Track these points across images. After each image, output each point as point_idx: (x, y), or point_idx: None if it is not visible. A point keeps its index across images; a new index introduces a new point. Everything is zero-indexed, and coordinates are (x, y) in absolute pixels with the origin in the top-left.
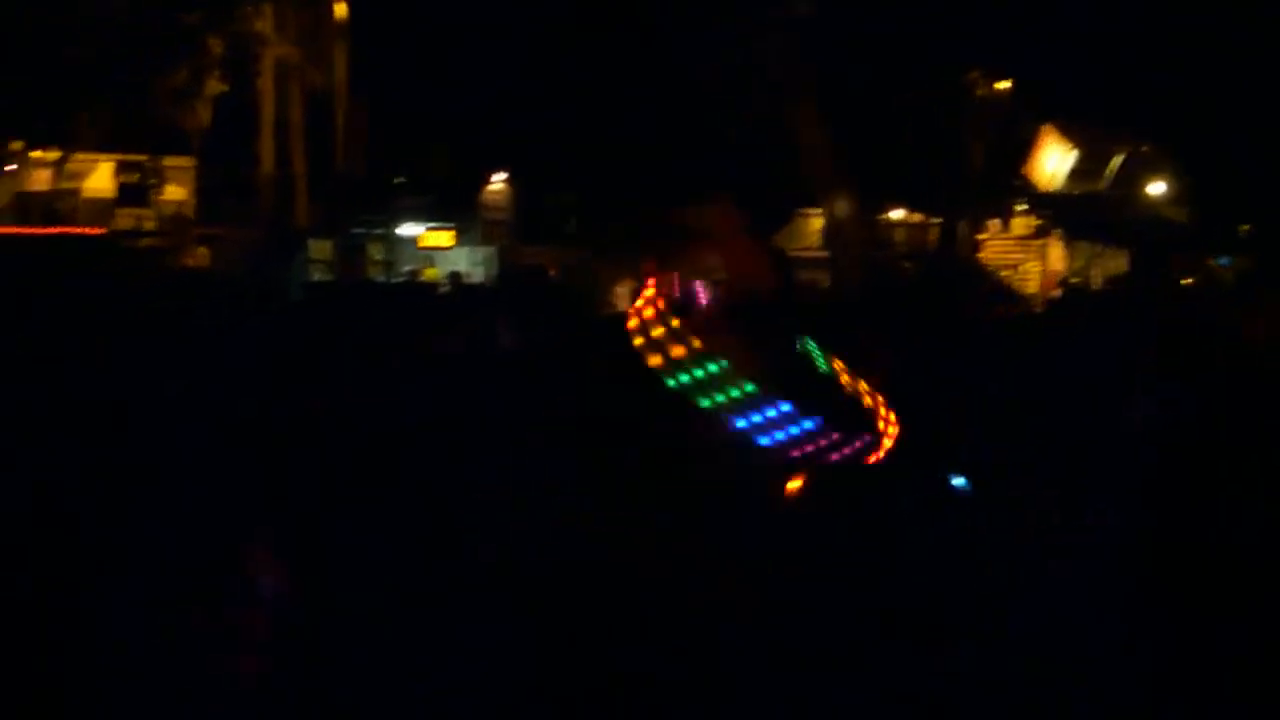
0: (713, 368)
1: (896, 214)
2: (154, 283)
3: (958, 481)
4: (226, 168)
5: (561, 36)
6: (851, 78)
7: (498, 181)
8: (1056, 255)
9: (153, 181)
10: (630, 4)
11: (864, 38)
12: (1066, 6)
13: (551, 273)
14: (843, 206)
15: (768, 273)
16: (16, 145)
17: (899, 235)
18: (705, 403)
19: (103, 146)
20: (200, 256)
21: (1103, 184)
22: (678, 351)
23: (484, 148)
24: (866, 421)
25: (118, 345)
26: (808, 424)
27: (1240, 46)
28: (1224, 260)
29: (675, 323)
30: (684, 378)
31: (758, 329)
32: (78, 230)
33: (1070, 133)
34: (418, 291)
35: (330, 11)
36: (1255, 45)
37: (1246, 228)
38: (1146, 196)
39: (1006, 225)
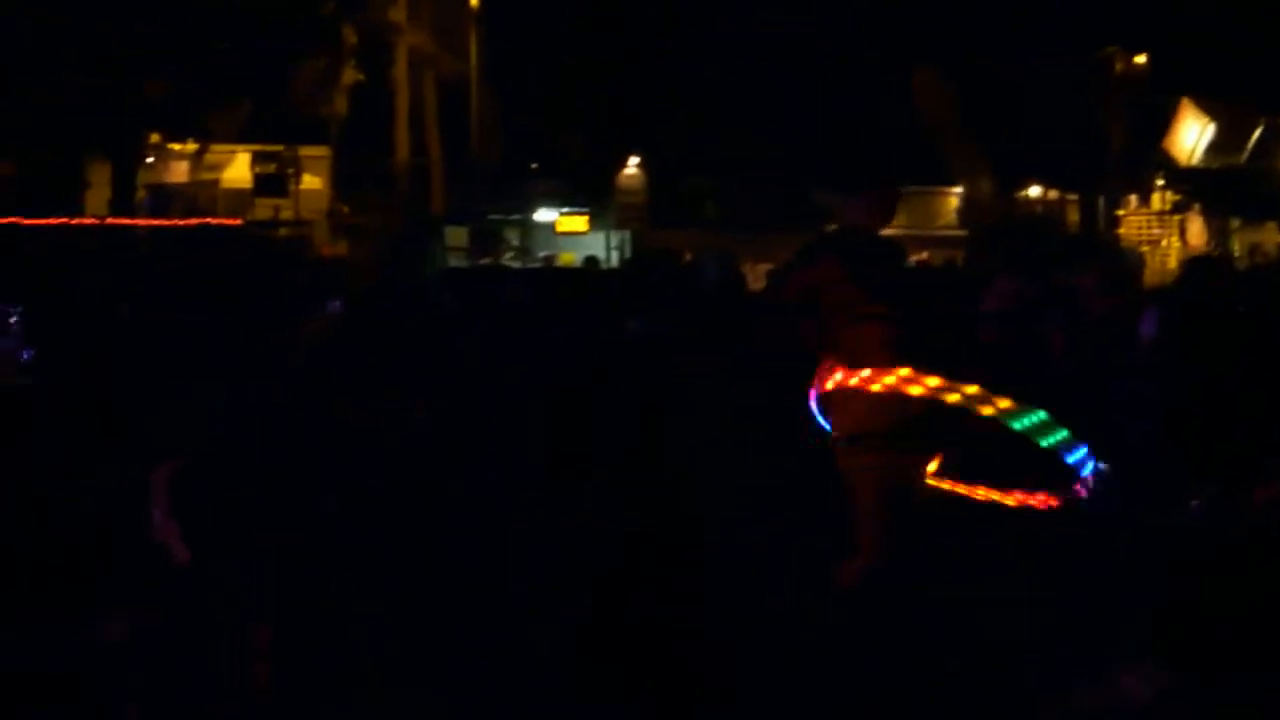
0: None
1: (1034, 191)
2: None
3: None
4: (363, 157)
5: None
6: (989, 54)
7: (632, 165)
8: (1195, 230)
9: (290, 171)
10: None
11: (1002, 13)
12: None
13: (688, 257)
14: (980, 184)
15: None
16: (155, 138)
17: (1036, 213)
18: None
19: (240, 137)
20: (339, 246)
21: (1242, 157)
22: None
23: (618, 131)
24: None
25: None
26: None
27: None
28: None
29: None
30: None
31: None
32: (216, 221)
33: (1208, 106)
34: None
35: None
36: None
37: None
38: None
39: (1145, 200)
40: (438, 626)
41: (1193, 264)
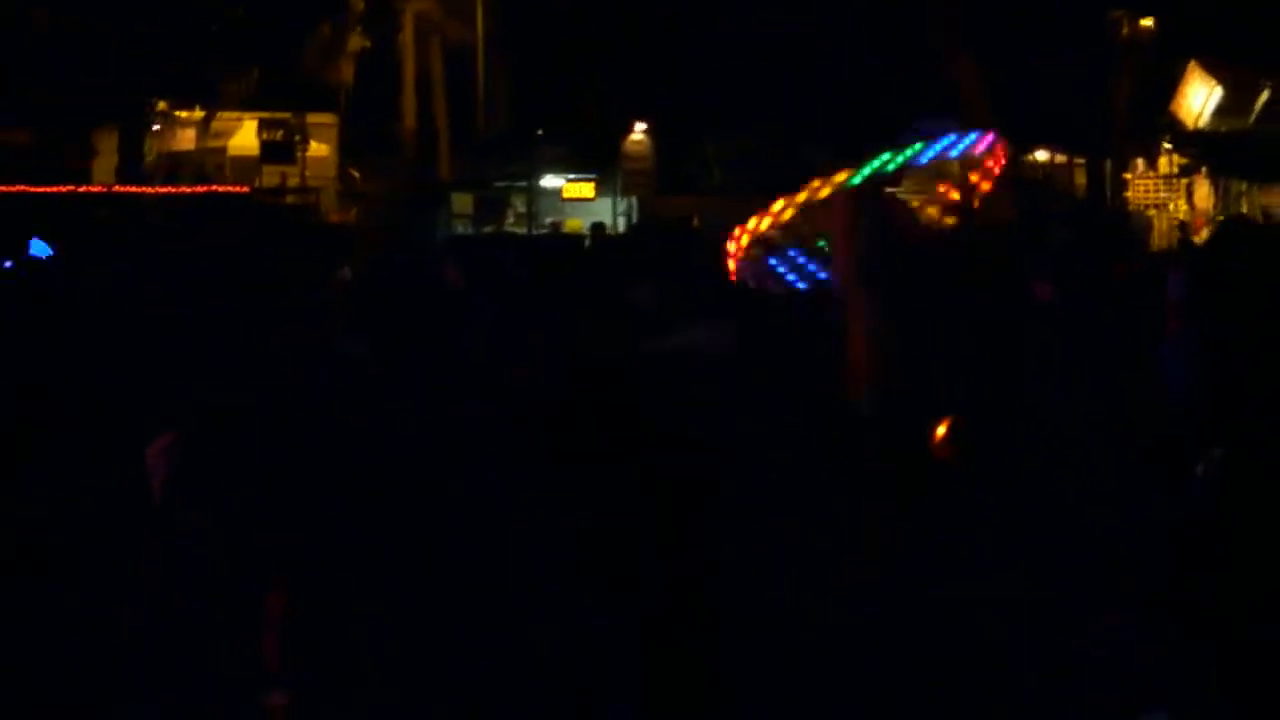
0: None
1: (1041, 154)
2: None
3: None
4: (369, 124)
5: None
6: (996, 16)
7: (639, 131)
8: (1203, 194)
9: (297, 138)
10: None
11: None
12: None
13: (696, 223)
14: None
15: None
16: (162, 105)
17: (1038, 176)
18: None
19: (247, 105)
20: (347, 212)
21: (1250, 120)
22: None
23: (624, 98)
24: None
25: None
26: None
27: None
28: None
29: None
30: None
31: None
32: (223, 188)
33: (1216, 69)
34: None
35: None
36: None
37: None
38: None
39: (1152, 164)
40: (438, 626)
41: (1223, 227)
